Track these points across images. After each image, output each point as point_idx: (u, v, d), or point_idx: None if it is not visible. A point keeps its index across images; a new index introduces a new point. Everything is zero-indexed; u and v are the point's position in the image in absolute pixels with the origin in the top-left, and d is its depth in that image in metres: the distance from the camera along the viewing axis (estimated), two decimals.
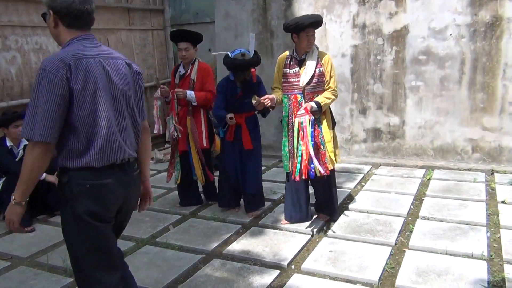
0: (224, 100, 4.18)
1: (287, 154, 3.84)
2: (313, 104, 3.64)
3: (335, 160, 3.89)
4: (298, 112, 3.63)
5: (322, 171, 3.64)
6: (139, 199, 2.38)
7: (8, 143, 4.32)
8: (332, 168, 3.85)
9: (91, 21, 2.09)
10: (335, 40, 6.07)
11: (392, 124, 5.95)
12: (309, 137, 3.58)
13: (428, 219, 4.06)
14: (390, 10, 5.71)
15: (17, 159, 4.31)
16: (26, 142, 4.40)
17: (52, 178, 4.29)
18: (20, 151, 4.36)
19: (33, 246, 3.82)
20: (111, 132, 1.96)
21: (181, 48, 4.32)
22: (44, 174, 4.25)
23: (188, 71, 4.41)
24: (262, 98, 3.70)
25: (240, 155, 4.23)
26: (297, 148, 3.68)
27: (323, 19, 5.92)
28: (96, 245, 2.02)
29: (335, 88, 3.79)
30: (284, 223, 4.05)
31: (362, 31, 5.91)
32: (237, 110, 4.16)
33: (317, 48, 3.85)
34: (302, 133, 3.61)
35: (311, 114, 3.61)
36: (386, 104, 5.94)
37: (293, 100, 3.77)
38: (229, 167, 4.29)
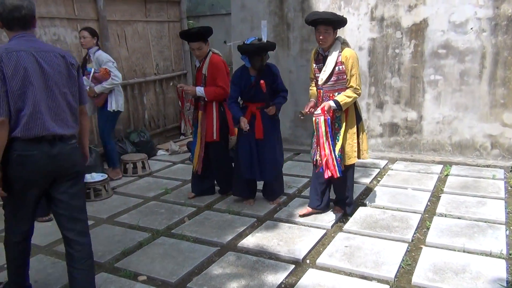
0: (238, 92, 4.20)
1: (312, 145, 3.90)
2: (331, 103, 3.62)
3: (361, 156, 3.89)
4: (315, 112, 3.62)
5: (329, 174, 3.61)
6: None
7: None
8: (350, 164, 3.85)
9: (29, 23, 2.51)
10: (353, 33, 5.99)
11: (410, 119, 5.87)
12: (324, 138, 3.57)
13: (445, 216, 4.01)
14: (410, 3, 5.61)
15: None
16: None
17: None
18: None
19: (51, 235, 3.87)
20: (36, 110, 2.40)
21: (193, 48, 4.32)
22: None
23: (201, 65, 4.43)
24: (306, 109, 3.80)
25: (256, 145, 4.23)
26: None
27: (341, 11, 5.90)
28: (16, 203, 2.58)
29: (357, 87, 3.71)
30: (307, 212, 4.08)
31: (380, 24, 5.82)
32: (251, 99, 4.18)
33: (346, 44, 3.80)
34: (317, 134, 3.59)
35: (327, 114, 3.58)
36: (403, 99, 5.86)
37: (318, 95, 3.81)
38: (242, 157, 4.30)
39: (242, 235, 3.76)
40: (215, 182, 4.77)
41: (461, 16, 5.37)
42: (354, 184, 4.86)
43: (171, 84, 4.60)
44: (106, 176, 4.98)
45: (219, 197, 4.68)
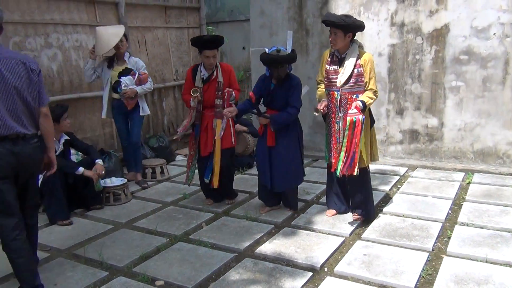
0: (257, 93, 4.24)
1: (327, 146, 3.94)
2: (359, 103, 3.62)
3: (374, 158, 3.94)
4: (350, 111, 3.62)
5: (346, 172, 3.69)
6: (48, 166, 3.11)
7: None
8: (364, 167, 3.84)
9: None
10: (372, 39, 5.94)
11: (430, 126, 5.78)
12: (359, 137, 3.60)
13: (467, 225, 3.93)
14: (431, 8, 5.54)
15: (57, 154, 4.42)
16: (66, 137, 4.53)
17: (90, 173, 4.40)
18: (61, 146, 4.48)
19: (71, 238, 3.93)
20: None
21: (209, 56, 4.25)
22: (82, 169, 4.36)
23: (214, 74, 4.37)
24: (320, 107, 3.88)
25: (269, 152, 4.22)
26: (342, 144, 3.71)
27: (360, 17, 5.86)
28: None
29: (376, 89, 3.78)
30: (331, 215, 4.13)
31: (401, 30, 5.76)
32: (268, 105, 4.21)
33: (361, 47, 3.82)
34: (351, 132, 3.59)
35: (363, 113, 3.61)
36: (424, 105, 5.78)
37: (331, 96, 3.83)
38: (258, 163, 4.37)
39: (259, 242, 3.75)
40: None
41: (483, 21, 5.28)
42: (373, 191, 4.83)
43: (195, 89, 4.44)
44: (126, 180, 5.03)
45: (236, 203, 4.68)
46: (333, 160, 3.87)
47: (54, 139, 4.39)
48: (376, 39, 5.92)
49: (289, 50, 4.01)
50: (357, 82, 3.73)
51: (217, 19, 10.31)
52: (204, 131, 4.45)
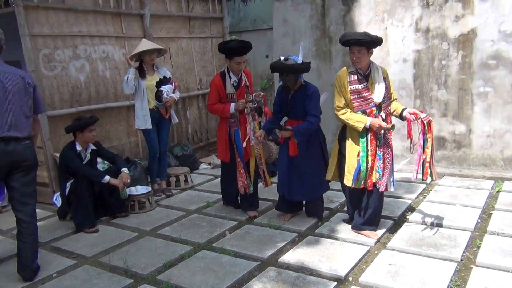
0: (278, 105, 4.25)
1: (365, 170, 3.71)
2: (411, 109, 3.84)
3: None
4: (422, 116, 3.77)
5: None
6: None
7: (78, 147, 4.53)
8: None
9: (0, 50, 3.31)
10: (397, 45, 5.87)
11: (458, 132, 5.65)
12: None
13: (497, 234, 3.80)
14: (457, 13, 5.44)
15: (84, 163, 4.52)
16: (93, 147, 4.62)
17: (116, 182, 4.47)
18: (88, 155, 4.58)
19: (97, 246, 3.99)
20: None
21: (239, 62, 4.32)
22: (108, 177, 4.44)
23: (242, 78, 4.48)
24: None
25: (290, 162, 4.19)
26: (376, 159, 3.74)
27: (384, 24, 5.81)
28: None
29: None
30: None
31: (426, 35, 5.68)
32: (288, 115, 4.22)
33: (373, 63, 3.78)
34: (431, 133, 3.79)
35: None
36: (451, 111, 5.66)
37: (369, 113, 3.68)
38: (278, 171, 4.37)
39: (283, 250, 3.72)
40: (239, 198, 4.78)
41: None
42: (398, 200, 4.76)
43: (248, 95, 4.47)
44: (150, 189, 5.09)
45: (259, 211, 4.67)
46: (368, 181, 3.72)
47: (81, 148, 4.52)
48: (400, 45, 5.85)
49: (299, 61, 3.98)
50: (388, 95, 3.75)
51: (240, 28, 10.38)
52: (243, 136, 4.45)
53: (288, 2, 6.66)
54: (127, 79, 4.99)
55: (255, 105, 4.45)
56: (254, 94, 4.43)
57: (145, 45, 5.18)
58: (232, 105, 4.34)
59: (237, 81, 4.45)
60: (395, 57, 5.90)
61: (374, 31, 5.93)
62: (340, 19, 6.25)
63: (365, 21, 6.03)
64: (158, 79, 5.20)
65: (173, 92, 5.27)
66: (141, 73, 5.14)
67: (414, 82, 5.85)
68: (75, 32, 5.35)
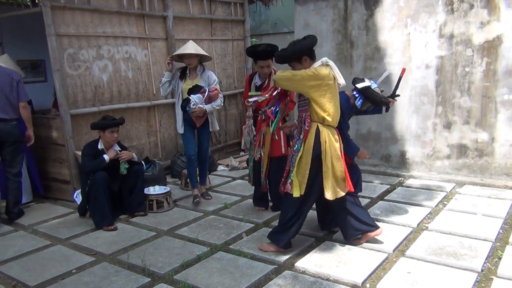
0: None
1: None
2: None
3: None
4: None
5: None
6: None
7: (100, 145, 4.59)
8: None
9: None
10: (419, 51, 5.81)
11: (480, 141, 5.56)
12: None
13: None
14: (482, 19, 5.36)
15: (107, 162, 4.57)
16: (118, 148, 4.67)
17: (112, 154, 4.57)
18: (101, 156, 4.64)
19: (115, 244, 4.04)
20: None
21: (263, 66, 4.42)
22: (107, 156, 4.53)
23: (266, 82, 4.53)
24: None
25: None
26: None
27: (407, 29, 5.75)
28: None
29: None
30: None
31: (449, 42, 5.60)
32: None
33: None
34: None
35: None
36: (474, 119, 5.56)
37: None
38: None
39: (299, 255, 3.71)
40: (269, 198, 4.83)
41: None
42: (418, 207, 4.69)
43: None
44: (169, 189, 5.13)
45: (276, 214, 4.65)
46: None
47: (103, 147, 4.58)
48: (423, 51, 5.78)
49: (376, 85, 4.08)
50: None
51: (261, 31, 10.41)
52: (258, 137, 4.55)
53: (311, 6, 6.65)
54: (161, 82, 4.97)
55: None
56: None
57: (186, 47, 4.91)
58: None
59: (259, 83, 4.57)
60: (417, 63, 5.83)
61: (397, 36, 5.90)
62: (362, 23, 6.21)
63: (388, 26, 5.98)
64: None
65: (208, 102, 4.85)
66: (182, 75, 4.98)
67: (436, 88, 5.77)
68: (99, 32, 5.44)
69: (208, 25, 7.03)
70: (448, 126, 5.75)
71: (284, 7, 9.17)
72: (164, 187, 5.21)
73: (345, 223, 3.76)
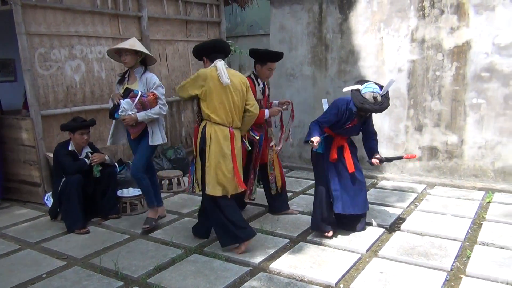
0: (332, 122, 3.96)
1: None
2: None
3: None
4: None
5: None
6: None
7: (71, 147, 4.51)
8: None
9: None
10: (392, 55, 5.92)
11: (450, 143, 5.70)
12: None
13: (487, 245, 3.84)
14: (452, 25, 5.51)
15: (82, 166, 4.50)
16: (89, 149, 4.59)
17: (96, 157, 4.56)
18: (85, 157, 4.56)
19: (87, 247, 3.96)
20: None
21: (272, 68, 4.39)
22: (86, 160, 4.51)
23: (265, 85, 4.54)
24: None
25: (348, 177, 4.05)
26: None
27: (380, 33, 5.86)
28: None
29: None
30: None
31: (421, 46, 5.73)
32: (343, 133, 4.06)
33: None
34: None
35: None
36: (444, 122, 5.71)
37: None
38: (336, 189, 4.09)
39: (274, 256, 3.72)
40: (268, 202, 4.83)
41: (506, 38, 5.21)
42: (390, 208, 4.78)
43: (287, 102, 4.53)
44: None
45: (251, 216, 4.67)
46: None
47: (74, 148, 4.50)
48: (395, 55, 5.90)
49: (382, 93, 3.77)
50: None
51: (237, 33, 10.42)
52: (265, 141, 4.51)
53: (286, 9, 6.69)
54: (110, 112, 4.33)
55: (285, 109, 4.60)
56: (278, 101, 4.67)
57: (123, 43, 4.30)
58: (266, 111, 4.33)
59: (263, 87, 4.48)
60: (390, 66, 5.95)
61: (370, 40, 6.00)
62: (337, 27, 6.29)
63: (361, 30, 6.08)
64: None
65: (141, 109, 4.14)
66: (122, 79, 4.38)
67: (408, 92, 5.90)
68: (72, 32, 5.34)
69: (183, 26, 6.99)
70: (419, 128, 5.88)
71: (260, 9, 9.20)
72: (138, 189, 5.14)
73: (220, 227, 3.79)
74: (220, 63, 3.69)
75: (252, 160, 4.41)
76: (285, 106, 4.55)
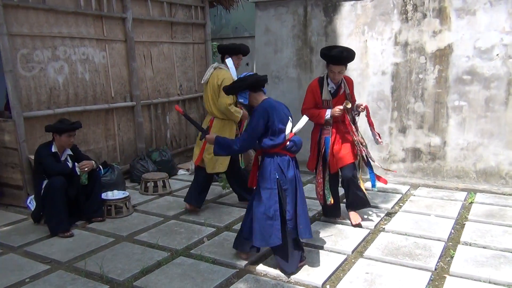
0: None
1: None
2: None
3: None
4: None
5: None
6: None
7: (54, 148, 4.45)
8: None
9: None
10: (376, 57, 6.00)
11: (433, 145, 5.79)
12: None
13: (470, 244, 3.90)
14: (434, 29, 5.60)
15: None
16: (70, 152, 4.54)
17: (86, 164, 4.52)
18: (67, 159, 4.50)
19: (71, 251, 3.91)
20: None
21: (334, 71, 4.15)
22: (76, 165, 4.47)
23: (342, 86, 4.30)
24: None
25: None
26: None
27: (365, 36, 5.93)
28: None
29: None
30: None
31: (404, 49, 5.82)
32: None
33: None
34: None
35: None
36: (427, 124, 5.80)
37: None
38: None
39: (261, 258, 3.73)
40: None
41: (486, 42, 5.33)
42: (375, 209, 4.83)
43: (347, 102, 4.27)
44: (128, 194, 5.02)
45: (238, 218, 4.67)
46: None
47: (57, 150, 4.44)
48: (379, 57, 5.97)
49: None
50: None
51: (222, 35, 10.43)
52: (334, 145, 4.33)
53: (271, 12, 6.72)
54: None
55: (356, 114, 4.38)
56: (356, 104, 4.37)
57: None
58: (328, 111, 4.21)
59: (335, 88, 4.29)
60: (374, 69, 6.02)
61: (354, 43, 6.06)
62: (321, 30, 6.34)
63: (346, 32, 6.14)
64: None
65: None
66: None
67: (392, 94, 5.98)
68: (55, 33, 5.27)
69: (168, 28, 6.96)
70: (403, 130, 5.96)
71: (245, 12, 9.23)
72: (123, 192, 5.10)
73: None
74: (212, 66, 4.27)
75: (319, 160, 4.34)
76: (360, 109, 4.33)
